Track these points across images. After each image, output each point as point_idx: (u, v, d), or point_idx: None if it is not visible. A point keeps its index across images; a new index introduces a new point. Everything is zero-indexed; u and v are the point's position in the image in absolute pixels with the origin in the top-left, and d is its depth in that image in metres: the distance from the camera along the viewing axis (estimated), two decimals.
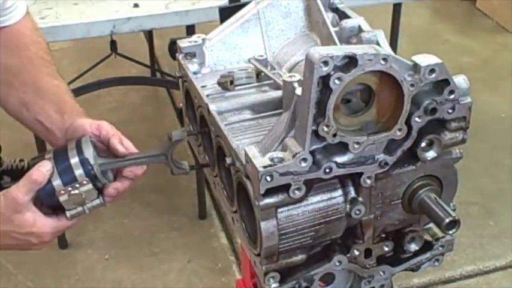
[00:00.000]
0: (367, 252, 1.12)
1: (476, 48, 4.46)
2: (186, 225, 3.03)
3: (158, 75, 3.95)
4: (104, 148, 1.21)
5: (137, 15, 2.40)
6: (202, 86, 1.27)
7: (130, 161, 1.19)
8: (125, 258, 2.87)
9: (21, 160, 1.26)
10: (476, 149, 3.28)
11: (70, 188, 1.14)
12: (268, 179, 0.97)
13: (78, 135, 1.21)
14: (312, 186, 1.02)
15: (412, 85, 0.98)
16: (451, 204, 1.14)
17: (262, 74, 1.27)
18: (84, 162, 1.15)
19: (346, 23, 1.27)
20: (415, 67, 0.98)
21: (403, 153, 1.04)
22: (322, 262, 1.10)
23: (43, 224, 1.15)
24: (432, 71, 0.99)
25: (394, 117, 1.01)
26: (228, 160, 1.10)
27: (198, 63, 1.32)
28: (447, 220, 1.02)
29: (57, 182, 1.14)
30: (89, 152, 1.16)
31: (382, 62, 0.95)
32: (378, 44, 1.20)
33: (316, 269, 1.10)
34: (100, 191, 1.17)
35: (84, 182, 1.14)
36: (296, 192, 1.00)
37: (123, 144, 1.20)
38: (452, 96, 1.02)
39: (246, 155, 1.00)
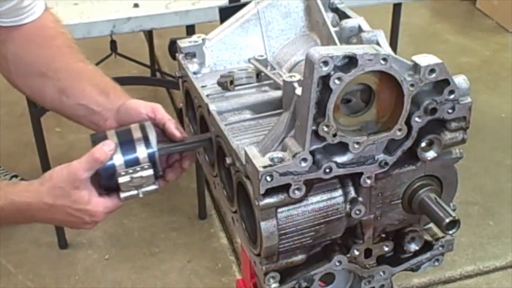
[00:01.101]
0: (367, 252, 1.12)
1: (476, 48, 4.47)
2: (186, 225, 3.03)
3: (158, 75, 3.95)
4: (158, 132, 1.22)
5: (137, 15, 2.40)
6: (202, 86, 1.27)
7: (183, 146, 1.21)
8: (125, 258, 2.87)
9: (14, 176, 1.27)
10: (476, 149, 3.28)
11: (131, 171, 1.15)
12: (268, 179, 0.97)
13: (132, 116, 1.22)
14: (312, 186, 1.02)
15: (412, 85, 0.98)
16: (451, 204, 1.14)
17: (262, 74, 1.27)
18: (148, 146, 1.16)
19: (346, 23, 1.27)
20: (415, 67, 0.98)
21: (403, 153, 1.04)
22: (322, 262, 1.10)
23: (97, 203, 1.16)
24: (432, 71, 0.99)
25: (394, 117, 1.01)
26: (228, 160, 1.10)
27: (198, 63, 1.32)
28: (447, 220, 1.02)
29: (119, 163, 1.15)
30: (153, 138, 1.17)
31: (382, 62, 0.95)
32: (378, 44, 1.20)
33: (316, 269, 1.10)
34: (156, 176, 1.18)
35: (146, 166, 1.15)
36: (296, 192, 1.00)
37: (178, 129, 1.22)
38: (452, 96, 1.02)
39: (246, 155, 1.00)
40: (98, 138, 1.18)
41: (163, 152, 1.19)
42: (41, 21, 1.34)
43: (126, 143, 1.16)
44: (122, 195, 1.16)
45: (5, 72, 1.36)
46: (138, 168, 1.15)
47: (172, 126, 1.22)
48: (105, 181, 1.16)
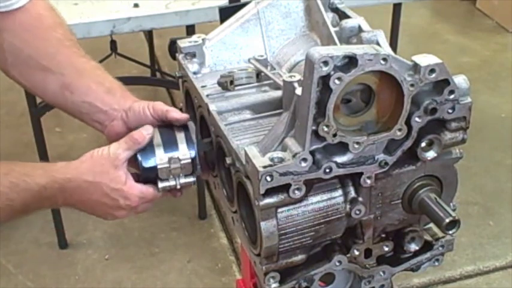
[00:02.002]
0: (367, 252, 1.12)
1: (476, 48, 4.47)
2: (186, 225, 3.03)
3: (158, 75, 3.95)
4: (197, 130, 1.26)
5: (137, 15, 2.40)
6: (202, 86, 1.27)
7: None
8: (125, 258, 2.87)
9: None
10: (476, 149, 3.28)
11: (170, 155, 1.17)
12: (268, 179, 0.97)
13: (140, 119, 1.24)
14: (312, 186, 1.02)
15: (412, 85, 0.98)
16: (451, 204, 1.14)
17: (262, 74, 1.27)
18: (188, 138, 1.19)
19: (346, 23, 1.27)
20: (415, 67, 0.98)
21: (403, 153, 1.04)
22: (322, 262, 1.10)
23: (132, 185, 1.18)
24: (432, 71, 0.99)
25: (394, 117, 1.01)
26: (228, 160, 1.10)
27: (198, 63, 1.32)
28: (447, 220, 1.02)
29: (158, 147, 1.18)
30: (193, 130, 1.21)
31: (382, 62, 0.95)
32: (378, 44, 1.20)
33: (316, 269, 1.10)
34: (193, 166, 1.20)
35: (184, 155, 1.18)
36: (296, 192, 1.00)
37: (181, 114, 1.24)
38: (452, 96, 1.02)
39: (246, 155, 1.00)
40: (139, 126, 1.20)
41: (201, 148, 1.21)
42: (35, 8, 1.31)
43: (167, 131, 1.20)
44: (160, 184, 1.18)
45: (0, 62, 1.33)
46: (177, 155, 1.17)
47: (174, 113, 1.23)
48: (143, 165, 1.17)
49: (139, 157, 1.17)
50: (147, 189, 1.19)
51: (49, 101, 1.35)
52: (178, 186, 1.19)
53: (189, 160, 1.18)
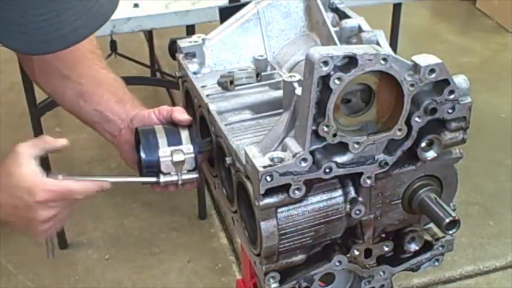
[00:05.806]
0: (367, 252, 1.12)
1: (476, 48, 4.47)
2: (186, 225, 3.03)
3: (158, 75, 3.95)
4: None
5: (137, 15, 2.40)
6: (202, 86, 1.27)
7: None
8: (125, 258, 2.87)
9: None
10: (476, 149, 3.28)
11: (173, 148, 1.17)
12: (268, 179, 0.97)
13: (145, 123, 1.24)
14: (312, 186, 1.02)
15: (412, 85, 0.98)
16: (451, 204, 1.14)
17: (262, 74, 1.27)
18: (192, 135, 1.20)
19: (346, 23, 1.27)
20: (415, 67, 0.98)
21: (403, 153, 1.04)
22: (322, 262, 1.10)
23: (37, 180, 1.12)
24: (432, 71, 0.99)
25: (394, 117, 1.01)
26: (228, 160, 1.10)
27: (198, 63, 1.32)
28: (447, 220, 1.02)
29: (162, 141, 1.18)
30: (196, 128, 1.23)
31: (382, 62, 0.95)
32: (378, 44, 1.20)
33: (316, 269, 1.10)
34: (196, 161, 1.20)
35: (188, 149, 1.18)
36: (296, 192, 1.00)
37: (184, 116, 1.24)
38: (452, 96, 1.02)
39: (246, 155, 1.00)
40: (144, 131, 1.20)
41: (201, 146, 1.21)
42: None
43: (172, 132, 1.20)
44: (162, 179, 1.17)
45: (29, 71, 1.39)
46: (179, 148, 1.17)
47: (178, 114, 1.23)
48: (146, 156, 1.17)
49: (142, 150, 1.17)
50: (53, 183, 1.13)
51: (66, 108, 1.39)
52: (180, 182, 1.18)
53: (193, 155, 1.17)
